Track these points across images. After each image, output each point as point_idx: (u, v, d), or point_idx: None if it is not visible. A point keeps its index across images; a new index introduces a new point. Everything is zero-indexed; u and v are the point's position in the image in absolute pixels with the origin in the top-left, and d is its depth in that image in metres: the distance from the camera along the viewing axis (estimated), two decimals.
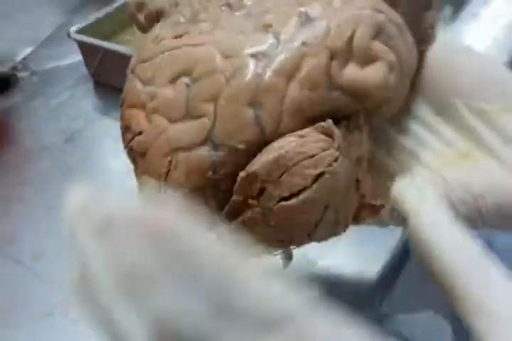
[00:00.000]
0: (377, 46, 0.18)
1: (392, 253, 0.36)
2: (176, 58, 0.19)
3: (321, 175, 0.17)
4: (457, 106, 0.22)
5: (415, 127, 0.23)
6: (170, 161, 0.18)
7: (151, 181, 0.18)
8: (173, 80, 0.19)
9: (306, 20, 0.18)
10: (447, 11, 0.62)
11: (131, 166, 0.21)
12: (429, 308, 0.86)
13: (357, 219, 0.20)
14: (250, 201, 0.18)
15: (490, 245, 0.59)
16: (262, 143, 0.17)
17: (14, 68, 0.54)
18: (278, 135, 0.17)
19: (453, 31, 0.58)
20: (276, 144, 0.17)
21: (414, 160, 0.22)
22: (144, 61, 0.20)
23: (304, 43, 0.17)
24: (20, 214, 0.39)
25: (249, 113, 0.17)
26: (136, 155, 0.19)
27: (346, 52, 0.18)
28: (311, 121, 0.18)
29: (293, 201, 0.17)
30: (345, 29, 0.18)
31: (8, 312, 0.33)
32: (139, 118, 0.19)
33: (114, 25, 0.52)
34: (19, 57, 0.55)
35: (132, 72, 0.21)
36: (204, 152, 0.18)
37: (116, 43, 0.52)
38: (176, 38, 0.20)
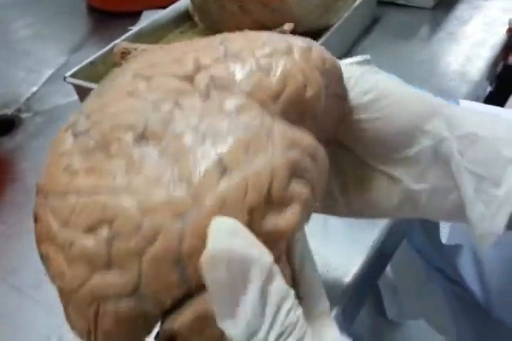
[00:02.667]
0: (293, 187, 0.19)
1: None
2: (91, 206, 0.18)
3: None
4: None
5: None
6: (96, 310, 0.18)
7: (79, 326, 0.19)
8: (91, 229, 0.18)
9: (224, 171, 0.18)
10: (424, 30, 0.65)
11: None
12: (433, 313, 0.87)
13: None
14: None
15: (474, 252, 0.61)
16: (188, 294, 0.18)
17: (18, 110, 0.58)
18: (202, 286, 0.18)
19: (430, 50, 0.61)
20: (197, 301, 0.18)
21: None
22: (57, 195, 0.19)
23: (223, 203, 0.17)
24: (22, 249, 0.42)
25: (175, 274, 0.17)
26: (60, 292, 0.19)
27: (265, 204, 0.18)
28: None
29: None
30: (263, 182, 0.18)
31: (11, 335, 0.37)
32: (57, 260, 0.19)
33: (108, 66, 0.56)
34: (23, 99, 0.60)
35: (45, 197, 0.20)
36: (132, 303, 0.18)
37: None
38: (88, 173, 0.19)
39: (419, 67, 0.58)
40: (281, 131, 0.19)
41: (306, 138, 0.20)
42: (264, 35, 0.22)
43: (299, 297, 0.22)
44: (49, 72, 0.65)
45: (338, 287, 0.37)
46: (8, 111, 0.58)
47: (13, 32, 0.75)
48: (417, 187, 0.27)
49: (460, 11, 0.68)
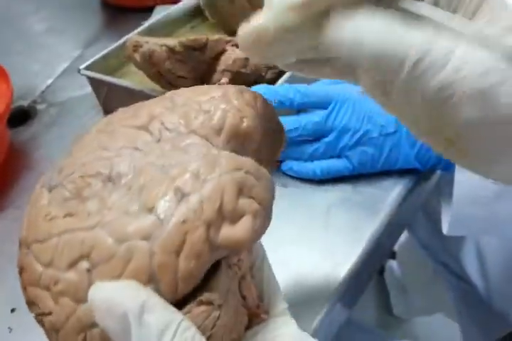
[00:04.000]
0: (242, 202, 0.21)
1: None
2: (71, 243, 0.21)
3: (210, 336, 0.21)
4: None
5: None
6: (84, 337, 0.20)
7: None
8: (73, 265, 0.20)
9: (182, 196, 0.21)
10: None
11: None
12: (438, 310, 0.88)
13: (250, 326, 0.24)
14: None
15: (477, 246, 0.62)
16: None
17: (34, 101, 0.60)
18: (175, 299, 0.20)
19: None
20: None
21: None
22: (40, 241, 0.22)
23: (184, 221, 0.20)
24: None
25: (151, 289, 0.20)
26: (49, 329, 0.21)
27: (219, 219, 0.21)
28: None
29: None
30: (215, 199, 0.21)
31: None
32: (44, 300, 0.21)
33: (121, 59, 0.58)
34: (38, 91, 0.62)
35: (27, 247, 0.22)
36: None
37: (123, 74, 0.57)
38: (66, 216, 0.22)
39: None
40: (226, 157, 0.22)
41: (248, 162, 0.23)
42: (205, 87, 0.26)
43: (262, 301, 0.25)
44: (64, 66, 0.66)
45: (337, 274, 0.38)
46: (24, 103, 0.60)
47: (28, 26, 0.77)
48: None
49: None
